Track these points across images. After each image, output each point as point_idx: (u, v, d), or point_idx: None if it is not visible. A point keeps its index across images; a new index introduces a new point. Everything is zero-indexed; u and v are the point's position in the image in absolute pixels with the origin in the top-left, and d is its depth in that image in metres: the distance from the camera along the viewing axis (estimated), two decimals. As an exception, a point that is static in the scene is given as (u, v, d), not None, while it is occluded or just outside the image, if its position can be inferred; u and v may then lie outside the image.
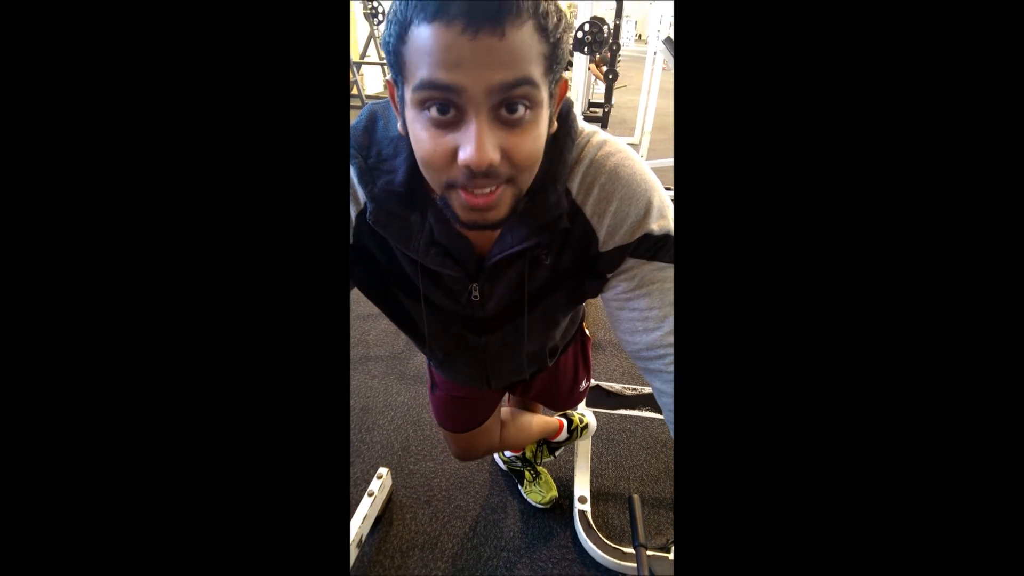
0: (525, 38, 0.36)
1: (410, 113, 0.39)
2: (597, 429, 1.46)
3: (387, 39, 0.38)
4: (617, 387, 1.33)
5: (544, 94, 0.39)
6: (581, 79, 3.13)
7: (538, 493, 1.27)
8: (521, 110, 0.38)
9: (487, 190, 0.40)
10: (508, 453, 1.31)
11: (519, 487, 1.30)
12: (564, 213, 0.48)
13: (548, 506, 1.26)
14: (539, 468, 1.31)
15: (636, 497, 0.81)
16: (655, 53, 3.60)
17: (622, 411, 1.34)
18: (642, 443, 1.47)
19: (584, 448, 1.32)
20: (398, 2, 0.37)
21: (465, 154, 0.38)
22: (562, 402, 1.01)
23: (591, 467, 1.33)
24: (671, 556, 0.92)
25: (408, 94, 0.39)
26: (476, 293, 0.54)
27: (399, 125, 0.44)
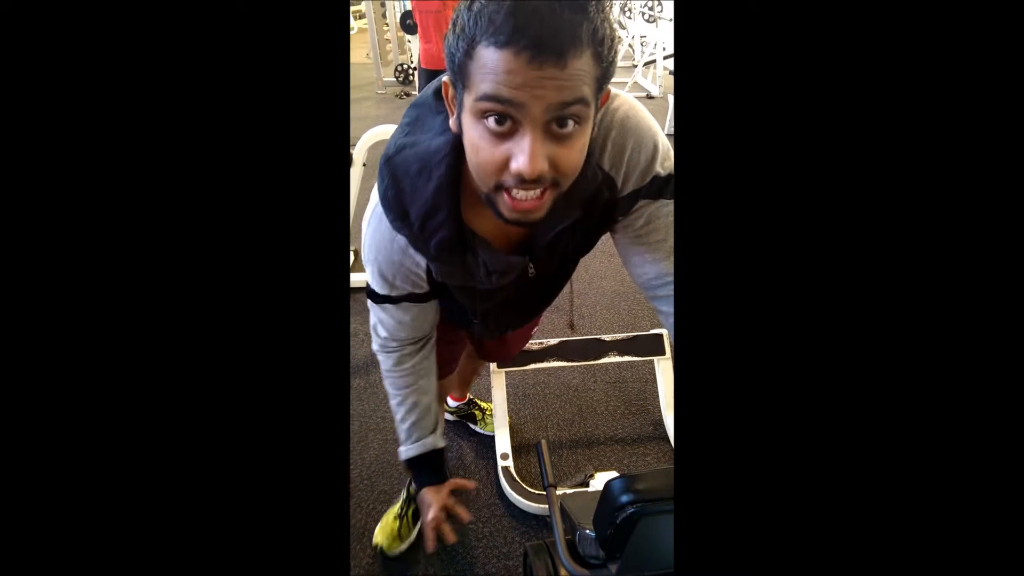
0: (582, 65, 0.39)
1: (467, 119, 0.43)
2: (513, 388, 1.50)
3: (453, 50, 0.41)
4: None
5: (592, 109, 0.43)
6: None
7: (492, 424, 1.36)
8: (571, 125, 0.41)
9: (533, 194, 0.44)
10: (452, 403, 1.39)
11: (473, 426, 1.39)
12: (600, 184, 0.52)
13: None
14: (484, 405, 1.41)
15: (544, 442, 0.85)
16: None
17: (533, 366, 1.38)
18: (556, 392, 1.54)
19: (501, 408, 1.35)
20: (466, 17, 0.39)
21: (518, 164, 0.41)
22: (519, 347, 1.17)
23: (510, 423, 1.37)
24: (589, 489, 0.99)
25: (468, 102, 0.42)
26: (532, 270, 0.60)
27: (451, 121, 0.47)
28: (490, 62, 0.38)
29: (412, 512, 1.13)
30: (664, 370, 1.41)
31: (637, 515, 0.53)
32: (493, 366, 1.33)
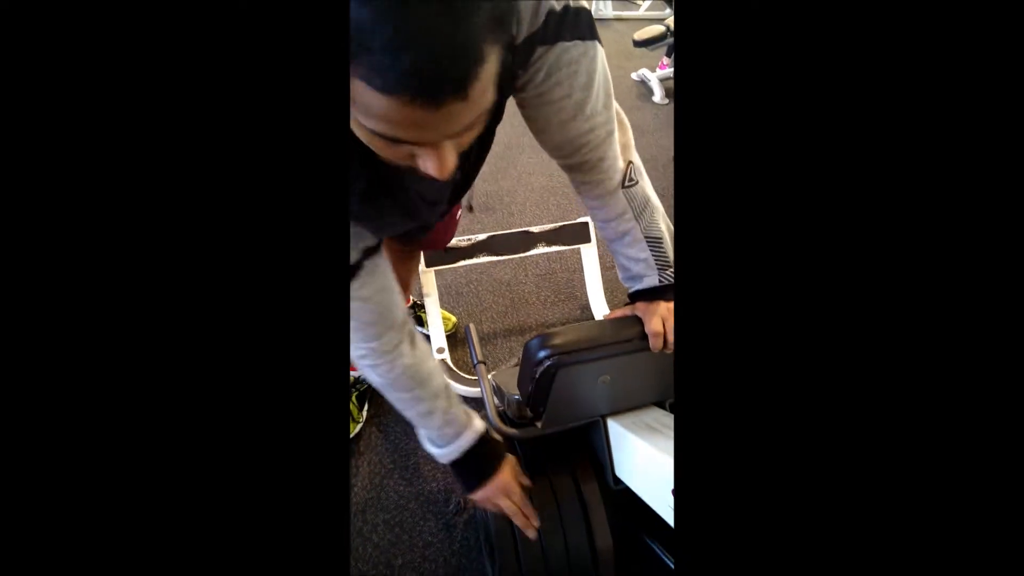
0: (490, 71, 0.31)
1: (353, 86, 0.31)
2: (446, 286, 1.51)
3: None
4: (452, 242, 1.34)
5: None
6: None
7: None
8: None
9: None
10: None
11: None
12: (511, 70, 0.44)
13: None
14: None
15: (472, 326, 0.87)
16: None
17: (463, 263, 1.38)
18: (488, 287, 1.56)
19: (433, 307, 1.36)
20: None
21: (428, 169, 0.35)
22: (449, 236, 1.14)
23: (444, 319, 1.39)
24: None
25: (356, 79, 0.30)
26: (458, 173, 0.52)
27: None
28: (372, 102, 0.30)
29: (355, 397, 1.19)
30: (589, 257, 1.46)
31: (554, 367, 0.56)
32: (422, 265, 1.32)
